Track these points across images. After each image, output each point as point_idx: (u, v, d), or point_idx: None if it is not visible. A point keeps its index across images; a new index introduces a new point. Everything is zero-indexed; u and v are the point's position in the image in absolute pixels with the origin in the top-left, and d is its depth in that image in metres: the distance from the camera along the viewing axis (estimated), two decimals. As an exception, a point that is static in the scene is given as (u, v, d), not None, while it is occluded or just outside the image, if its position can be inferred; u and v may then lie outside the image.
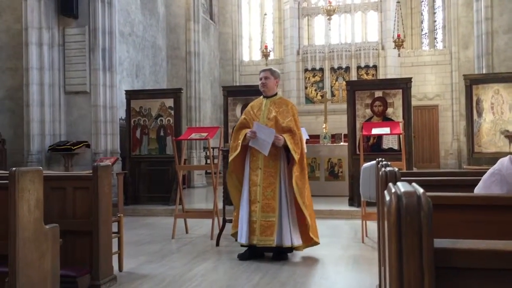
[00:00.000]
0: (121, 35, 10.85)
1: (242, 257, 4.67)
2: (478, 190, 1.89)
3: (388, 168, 2.59)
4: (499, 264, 1.02)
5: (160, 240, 5.89)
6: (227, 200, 5.54)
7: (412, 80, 8.26)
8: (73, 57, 8.56)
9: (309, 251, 4.91)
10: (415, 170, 9.04)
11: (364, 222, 5.70)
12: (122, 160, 8.98)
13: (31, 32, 8.31)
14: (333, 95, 17.44)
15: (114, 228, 4.16)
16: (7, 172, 2.83)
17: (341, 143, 10.57)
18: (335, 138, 11.30)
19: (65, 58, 8.60)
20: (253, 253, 4.67)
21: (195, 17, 13.21)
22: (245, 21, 19.27)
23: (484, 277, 1.04)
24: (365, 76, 17.23)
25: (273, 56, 18.85)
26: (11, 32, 8.92)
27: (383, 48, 17.35)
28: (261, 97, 4.93)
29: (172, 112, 8.94)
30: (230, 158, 4.79)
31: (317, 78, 17.93)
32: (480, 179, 1.91)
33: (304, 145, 8.29)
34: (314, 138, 11.67)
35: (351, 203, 7.90)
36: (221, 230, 5.55)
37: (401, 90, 7.97)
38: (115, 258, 4.12)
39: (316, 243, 4.82)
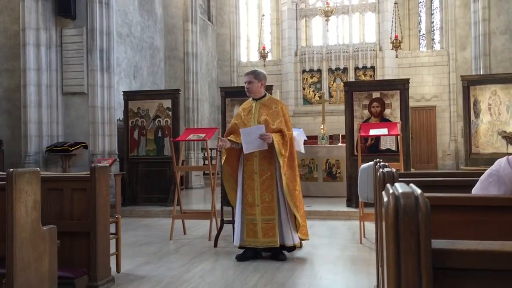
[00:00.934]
0: (119, 36, 10.84)
1: (240, 258, 4.67)
2: (476, 191, 1.90)
3: (386, 169, 2.59)
4: (496, 265, 1.02)
5: (158, 241, 5.88)
6: (225, 201, 5.54)
7: (410, 81, 8.27)
8: (71, 58, 8.55)
9: (308, 252, 4.91)
10: (412, 171, 9.04)
11: (362, 223, 5.70)
12: (119, 161, 8.96)
13: (29, 33, 8.29)
14: (331, 96, 17.46)
15: (112, 229, 4.16)
16: (5, 173, 2.82)
17: (339, 144, 10.58)
18: (333, 139, 11.31)
19: (63, 59, 8.59)
20: (251, 254, 4.68)
21: (193, 18, 13.21)
22: (243, 22, 19.28)
23: (481, 278, 1.04)
24: (362, 77, 17.26)
25: (271, 57, 18.86)
26: (8, 33, 8.91)
27: (380, 49, 17.37)
28: (250, 99, 4.91)
29: (170, 113, 8.94)
30: (222, 162, 4.87)
31: (315, 79, 17.95)
32: (477, 180, 1.91)
33: (300, 146, 8.33)
34: (312, 139, 11.66)
35: (349, 204, 7.90)
36: (219, 231, 5.54)
37: (398, 91, 7.98)
38: (112, 259, 4.11)
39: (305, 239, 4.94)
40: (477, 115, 8.61)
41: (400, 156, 6.29)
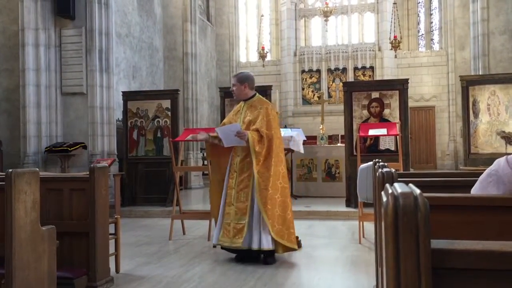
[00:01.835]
0: (118, 36, 10.83)
1: (240, 258, 4.67)
2: (475, 190, 1.89)
3: (385, 169, 2.59)
4: (496, 265, 1.02)
5: (157, 241, 5.88)
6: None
7: (409, 81, 8.27)
8: (70, 58, 8.55)
9: (307, 252, 4.91)
10: (412, 171, 9.05)
11: (361, 223, 5.70)
12: (119, 162, 8.96)
13: (28, 33, 8.29)
14: (330, 96, 17.47)
15: (111, 229, 4.16)
16: (4, 173, 2.82)
17: (338, 144, 10.59)
18: (332, 139, 11.31)
19: (62, 59, 8.58)
20: (250, 255, 4.67)
21: (192, 18, 13.21)
22: (242, 22, 19.29)
23: (481, 278, 1.04)
24: (361, 77, 17.27)
25: (270, 57, 18.87)
26: (7, 33, 8.90)
27: (379, 49, 17.39)
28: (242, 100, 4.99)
29: (169, 113, 8.94)
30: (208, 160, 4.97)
31: (314, 79, 17.96)
32: (476, 180, 1.91)
33: (300, 146, 8.31)
34: (311, 139, 11.67)
35: (348, 204, 7.90)
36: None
37: (397, 91, 7.99)
38: (112, 260, 4.11)
39: (292, 249, 4.63)
40: (476, 115, 8.61)
41: (399, 156, 6.30)
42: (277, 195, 4.53)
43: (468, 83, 8.69)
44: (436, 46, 17.81)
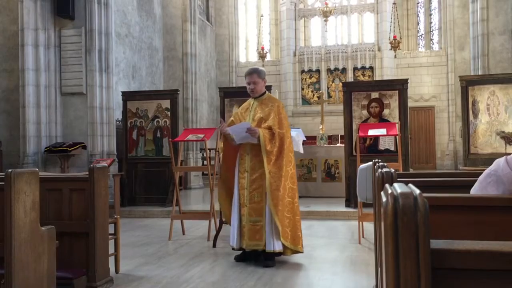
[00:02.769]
0: (118, 36, 10.84)
1: (239, 258, 4.66)
2: (474, 191, 1.90)
3: (384, 169, 2.59)
4: (495, 265, 1.02)
5: (156, 241, 5.87)
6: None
7: (408, 81, 8.28)
8: (69, 58, 8.55)
9: (306, 252, 4.91)
10: (411, 171, 9.05)
11: (360, 223, 5.70)
12: (118, 162, 8.96)
13: (27, 33, 8.29)
14: (329, 96, 17.47)
15: (111, 229, 4.15)
16: (3, 173, 2.82)
17: (338, 144, 10.59)
18: (331, 139, 11.31)
19: (61, 59, 8.58)
20: (250, 255, 4.66)
21: (191, 19, 13.21)
22: (241, 23, 19.28)
23: (480, 278, 1.04)
24: (361, 77, 17.27)
25: (270, 57, 18.86)
26: (7, 33, 8.90)
27: (379, 50, 17.39)
28: (251, 98, 4.89)
29: (169, 113, 8.93)
30: (220, 155, 4.82)
31: (314, 79, 17.96)
32: (476, 180, 1.91)
33: (299, 146, 8.31)
34: (310, 139, 11.67)
35: (347, 204, 7.91)
36: (218, 231, 5.55)
37: (397, 91, 7.99)
38: (111, 260, 4.11)
39: (299, 252, 4.59)
40: (475, 115, 8.62)
41: (398, 156, 6.30)
42: (285, 196, 4.49)
43: (468, 83, 8.69)
44: (435, 46, 17.82)
